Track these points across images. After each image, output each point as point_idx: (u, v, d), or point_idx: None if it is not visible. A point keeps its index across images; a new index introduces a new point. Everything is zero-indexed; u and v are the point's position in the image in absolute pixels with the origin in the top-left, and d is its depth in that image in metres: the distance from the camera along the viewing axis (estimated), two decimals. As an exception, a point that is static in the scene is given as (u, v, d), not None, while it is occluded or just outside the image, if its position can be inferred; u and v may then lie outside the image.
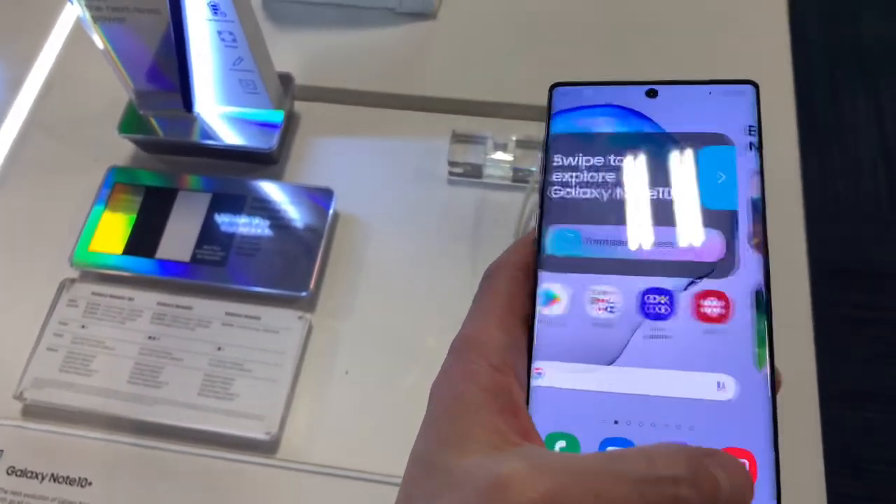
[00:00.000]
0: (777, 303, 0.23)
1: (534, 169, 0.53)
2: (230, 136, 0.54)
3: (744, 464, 0.21)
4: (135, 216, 0.52)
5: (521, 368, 0.23)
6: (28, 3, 0.66)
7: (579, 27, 0.60)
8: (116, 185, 0.54)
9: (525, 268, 0.25)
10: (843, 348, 1.09)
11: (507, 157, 0.53)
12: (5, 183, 0.57)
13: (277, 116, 0.54)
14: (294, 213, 0.52)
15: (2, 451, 0.46)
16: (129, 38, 0.49)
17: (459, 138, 0.54)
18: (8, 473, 0.46)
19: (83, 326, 0.49)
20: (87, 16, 0.47)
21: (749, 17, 0.60)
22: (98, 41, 0.49)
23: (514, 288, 0.25)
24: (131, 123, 0.55)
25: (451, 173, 0.54)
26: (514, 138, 0.53)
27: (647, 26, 0.60)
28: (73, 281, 0.50)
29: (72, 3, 0.46)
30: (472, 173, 0.54)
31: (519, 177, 0.53)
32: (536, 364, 0.23)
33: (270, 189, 0.53)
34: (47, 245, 0.53)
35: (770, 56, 0.57)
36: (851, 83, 1.34)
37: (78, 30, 0.64)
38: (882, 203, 1.24)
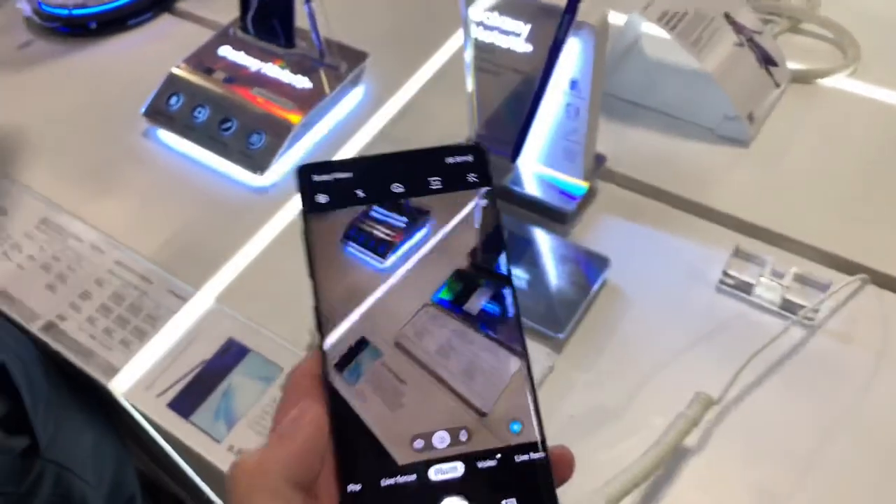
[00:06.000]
0: None
1: (804, 304, 0.54)
2: (536, 191, 0.63)
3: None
4: (443, 227, 0.61)
5: None
6: (409, 38, 0.82)
7: (894, 190, 0.62)
8: (434, 199, 0.64)
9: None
10: None
11: (782, 284, 0.55)
12: (349, 173, 0.70)
13: (580, 190, 0.62)
14: (571, 266, 0.58)
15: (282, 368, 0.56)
16: (493, 88, 0.60)
17: (741, 254, 0.57)
18: (280, 389, 0.55)
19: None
20: (472, 64, 0.58)
21: None
22: (469, 85, 0.60)
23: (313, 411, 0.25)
24: (462, 156, 0.66)
25: (722, 282, 0.57)
26: (793, 270, 0.56)
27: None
28: (379, 261, 0.61)
29: (466, 46, 0.58)
30: (743, 289, 0.57)
31: (786, 306, 0.55)
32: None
33: (557, 242, 0.60)
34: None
35: None
36: None
37: (445, 71, 0.77)
38: None
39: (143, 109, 0.75)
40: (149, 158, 0.74)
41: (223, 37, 0.80)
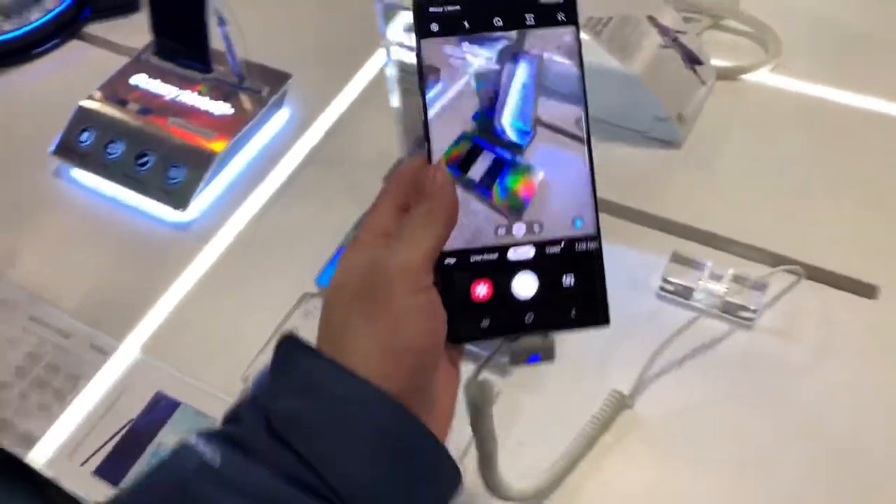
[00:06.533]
0: None
1: (744, 304, 0.54)
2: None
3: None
4: (378, 254, 0.59)
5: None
6: (332, 56, 0.79)
7: (826, 184, 0.62)
8: (367, 224, 0.62)
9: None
10: None
11: (721, 288, 0.55)
12: (276, 203, 0.67)
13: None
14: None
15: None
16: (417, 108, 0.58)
17: (678, 259, 0.57)
18: (218, 439, 0.52)
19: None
20: (397, 84, 0.56)
21: None
22: (393, 102, 0.58)
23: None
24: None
25: (662, 289, 0.57)
26: (731, 272, 0.55)
27: None
28: (312, 296, 0.58)
29: (387, 66, 0.56)
30: (683, 294, 0.56)
31: (727, 309, 0.55)
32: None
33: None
34: (299, 262, 0.61)
35: None
36: None
37: (372, 88, 0.75)
38: None
39: (52, 147, 0.71)
40: (61, 200, 0.69)
41: (136, 63, 0.76)
